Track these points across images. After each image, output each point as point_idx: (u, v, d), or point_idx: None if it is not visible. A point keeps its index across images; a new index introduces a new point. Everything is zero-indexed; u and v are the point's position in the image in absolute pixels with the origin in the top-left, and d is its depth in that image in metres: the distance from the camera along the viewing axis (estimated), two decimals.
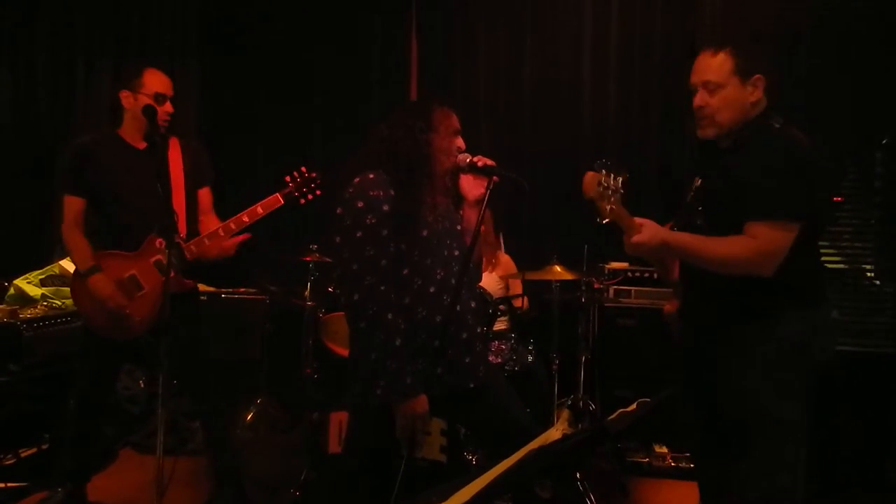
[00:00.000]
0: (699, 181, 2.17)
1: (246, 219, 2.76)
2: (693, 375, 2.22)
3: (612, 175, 1.83)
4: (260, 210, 2.78)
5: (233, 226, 2.75)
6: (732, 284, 1.95)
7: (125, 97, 2.78)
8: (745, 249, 1.86)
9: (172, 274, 2.61)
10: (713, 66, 2.00)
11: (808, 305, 1.99)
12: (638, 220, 1.90)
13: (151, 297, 2.75)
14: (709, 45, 2.05)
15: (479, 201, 2.13)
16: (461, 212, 2.22)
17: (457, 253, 2.11)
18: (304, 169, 2.86)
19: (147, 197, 2.69)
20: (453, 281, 2.03)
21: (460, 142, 2.14)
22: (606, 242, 4.37)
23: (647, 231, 1.87)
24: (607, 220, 1.84)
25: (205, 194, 2.96)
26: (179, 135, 2.95)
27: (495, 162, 2.11)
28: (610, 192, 1.82)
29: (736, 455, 2.01)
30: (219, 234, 2.74)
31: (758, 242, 1.85)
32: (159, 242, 2.74)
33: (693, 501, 2.40)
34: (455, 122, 2.13)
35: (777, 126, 2.00)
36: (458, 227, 2.18)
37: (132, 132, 2.79)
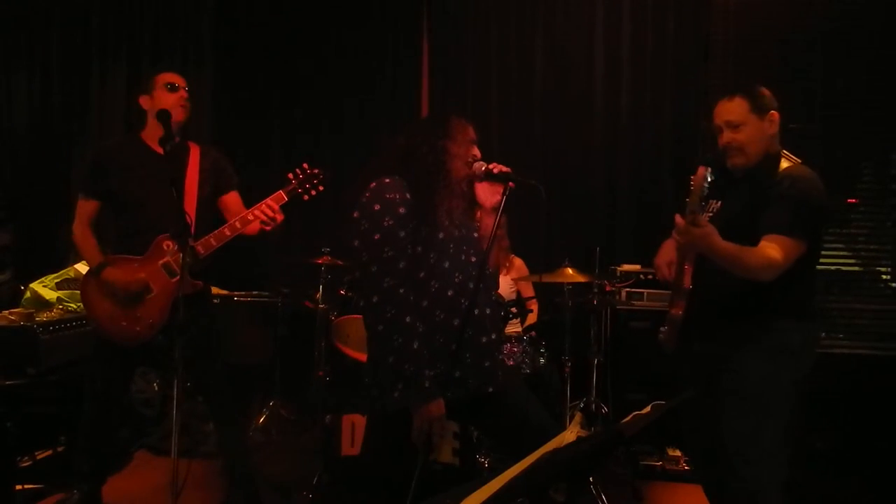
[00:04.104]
0: (719, 203, 2.39)
1: (251, 217, 2.77)
2: (693, 379, 2.38)
3: (712, 174, 2.11)
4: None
5: (238, 224, 2.76)
6: (744, 298, 2.22)
7: (143, 101, 2.83)
8: (762, 260, 2.10)
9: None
10: (732, 108, 2.28)
11: (806, 318, 2.26)
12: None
13: (161, 299, 2.74)
14: (723, 94, 2.34)
15: (496, 208, 2.13)
16: (478, 219, 2.23)
17: (473, 259, 2.11)
18: (306, 165, 2.87)
19: (161, 201, 2.70)
20: (471, 285, 2.03)
21: (476, 151, 2.16)
22: (618, 245, 4.42)
23: (709, 227, 2.06)
24: (695, 212, 2.05)
25: (232, 199, 2.97)
26: (199, 142, 2.97)
27: (509, 167, 2.13)
28: (707, 189, 2.10)
29: (725, 441, 2.23)
30: (224, 233, 2.75)
31: (770, 255, 2.09)
32: (166, 245, 2.74)
33: None
34: (471, 132, 2.16)
35: (792, 163, 2.29)
36: (475, 234, 2.19)
37: (154, 135, 2.81)
